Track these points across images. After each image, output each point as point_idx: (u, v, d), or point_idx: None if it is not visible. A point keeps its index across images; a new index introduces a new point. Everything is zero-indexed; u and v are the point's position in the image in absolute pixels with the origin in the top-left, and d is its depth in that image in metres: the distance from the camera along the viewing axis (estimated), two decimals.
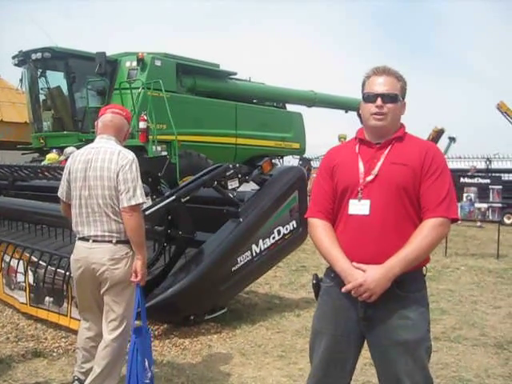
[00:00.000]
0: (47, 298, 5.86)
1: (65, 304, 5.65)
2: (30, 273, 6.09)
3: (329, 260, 2.90)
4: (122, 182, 3.96)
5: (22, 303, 6.25)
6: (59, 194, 4.29)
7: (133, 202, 3.96)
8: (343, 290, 2.76)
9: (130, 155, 4.07)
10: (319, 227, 2.96)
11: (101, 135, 4.19)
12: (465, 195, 12.98)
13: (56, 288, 5.70)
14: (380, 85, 2.86)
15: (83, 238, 4.09)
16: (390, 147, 2.87)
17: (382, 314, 2.79)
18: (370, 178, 2.83)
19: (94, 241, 4.03)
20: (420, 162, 2.81)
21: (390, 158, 2.84)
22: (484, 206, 12.55)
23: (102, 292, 4.09)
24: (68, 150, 11.42)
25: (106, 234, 4.02)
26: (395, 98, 2.86)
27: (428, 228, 2.75)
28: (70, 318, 5.57)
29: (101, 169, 4.00)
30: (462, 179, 13.35)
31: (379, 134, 2.90)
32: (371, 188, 2.81)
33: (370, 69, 2.95)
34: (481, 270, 10.17)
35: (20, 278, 6.29)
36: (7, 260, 6.53)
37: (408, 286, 2.79)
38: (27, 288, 6.13)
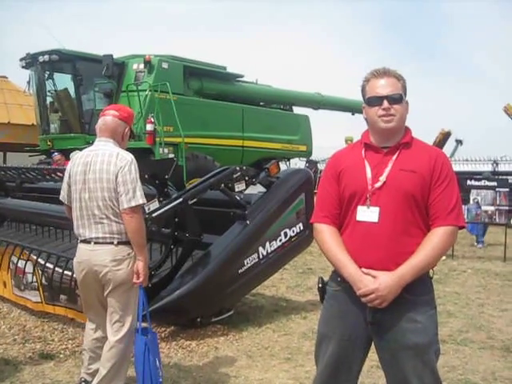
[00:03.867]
0: (62, 296, 5.87)
1: (79, 301, 5.65)
2: (40, 272, 6.10)
3: (336, 265, 2.89)
4: (121, 184, 3.97)
5: (37, 302, 6.25)
6: (61, 197, 4.33)
7: (133, 204, 3.97)
8: (358, 293, 2.75)
9: (129, 157, 4.08)
10: (325, 232, 2.94)
11: (99, 138, 4.23)
12: (472, 198, 12.96)
13: (65, 287, 5.71)
14: (383, 87, 2.83)
15: (85, 241, 4.11)
16: (397, 153, 2.85)
17: (390, 318, 2.78)
18: (378, 185, 2.81)
19: (95, 243, 4.05)
20: (429, 170, 2.79)
21: (399, 165, 2.82)
22: (491, 208, 12.52)
23: (105, 294, 4.11)
24: (73, 154, 11.42)
25: (107, 235, 4.03)
26: (400, 99, 2.84)
27: (439, 236, 2.76)
28: None
29: (100, 171, 4.02)
30: (468, 182, 13.34)
31: (388, 136, 2.87)
32: (380, 195, 2.80)
33: (369, 72, 2.92)
34: (487, 272, 10.17)
35: (30, 278, 6.30)
36: (15, 261, 6.54)
37: (416, 290, 2.78)
38: (40, 287, 6.14)
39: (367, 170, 2.86)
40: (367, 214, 2.81)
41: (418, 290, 2.80)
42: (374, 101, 2.85)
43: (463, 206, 12.06)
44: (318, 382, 3.03)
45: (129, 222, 3.99)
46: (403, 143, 2.88)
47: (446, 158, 2.91)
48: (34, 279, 6.22)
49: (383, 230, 2.77)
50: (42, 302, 6.20)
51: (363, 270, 2.77)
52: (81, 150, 4.35)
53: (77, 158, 4.24)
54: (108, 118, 4.24)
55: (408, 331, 2.77)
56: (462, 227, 2.86)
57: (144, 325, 4.16)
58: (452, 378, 4.88)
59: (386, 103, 2.81)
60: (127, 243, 4.07)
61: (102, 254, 4.03)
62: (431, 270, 2.88)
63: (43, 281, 6.07)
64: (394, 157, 2.85)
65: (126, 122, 4.29)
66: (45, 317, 6.26)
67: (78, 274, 4.23)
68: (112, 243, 4.04)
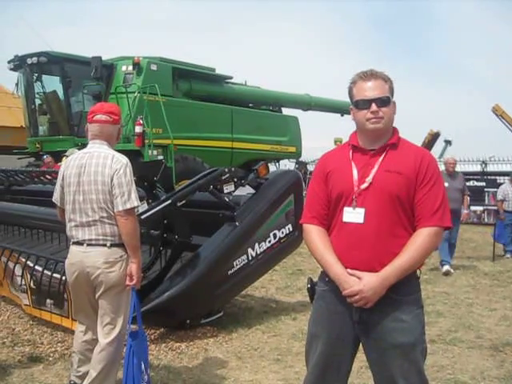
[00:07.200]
0: (48, 300, 5.85)
1: (66, 306, 5.63)
2: (28, 276, 6.09)
3: (323, 265, 2.91)
4: (116, 186, 3.97)
5: (26, 305, 6.25)
6: (54, 199, 4.31)
7: (128, 206, 3.98)
8: (343, 293, 2.77)
9: (124, 159, 4.08)
10: (314, 233, 2.96)
11: (93, 141, 4.19)
12: None
13: (54, 291, 5.69)
14: (370, 89, 2.84)
15: (77, 243, 4.09)
16: (384, 154, 2.87)
17: (377, 318, 2.80)
18: (364, 186, 2.82)
19: (88, 245, 4.04)
20: (415, 170, 2.81)
21: (385, 166, 2.83)
22: (480, 208, 12.58)
23: (97, 296, 4.10)
24: (69, 152, 11.30)
25: (101, 237, 4.03)
26: (388, 101, 2.85)
27: (423, 237, 2.77)
28: (72, 319, 5.54)
29: (95, 173, 4.02)
30: None
31: (376, 137, 2.88)
32: (365, 196, 2.81)
33: (356, 74, 2.92)
34: (476, 272, 10.21)
35: (20, 281, 6.29)
36: (6, 262, 6.53)
37: (402, 290, 2.80)
38: (28, 290, 6.13)
39: (354, 172, 2.87)
40: (353, 215, 2.83)
41: (405, 290, 2.82)
42: (362, 104, 2.86)
43: None
44: (308, 382, 3.05)
45: (124, 225, 4.00)
46: (390, 144, 2.89)
47: (432, 158, 2.92)
48: (23, 282, 6.20)
49: (369, 231, 2.79)
50: (30, 305, 6.18)
51: (348, 270, 2.79)
52: (79, 149, 4.31)
53: (70, 159, 4.22)
54: (103, 125, 4.17)
55: (394, 330, 2.78)
56: (447, 228, 2.87)
57: (133, 327, 4.15)
58: (441, 378, 4.90)
59: (374, 106, 2.81)
60: (120, 245, 4.07)
61: (95, 256, 4.03)
62: (418, 270, 2.89)
63: (31, 284, 6.05)
64: (381, 158, 2.86)
65: (118, 123, 4.30)
66: (34, 320, 6.23)
67: (69, 276, 4.21)
68: (105, 245, 4.04)
